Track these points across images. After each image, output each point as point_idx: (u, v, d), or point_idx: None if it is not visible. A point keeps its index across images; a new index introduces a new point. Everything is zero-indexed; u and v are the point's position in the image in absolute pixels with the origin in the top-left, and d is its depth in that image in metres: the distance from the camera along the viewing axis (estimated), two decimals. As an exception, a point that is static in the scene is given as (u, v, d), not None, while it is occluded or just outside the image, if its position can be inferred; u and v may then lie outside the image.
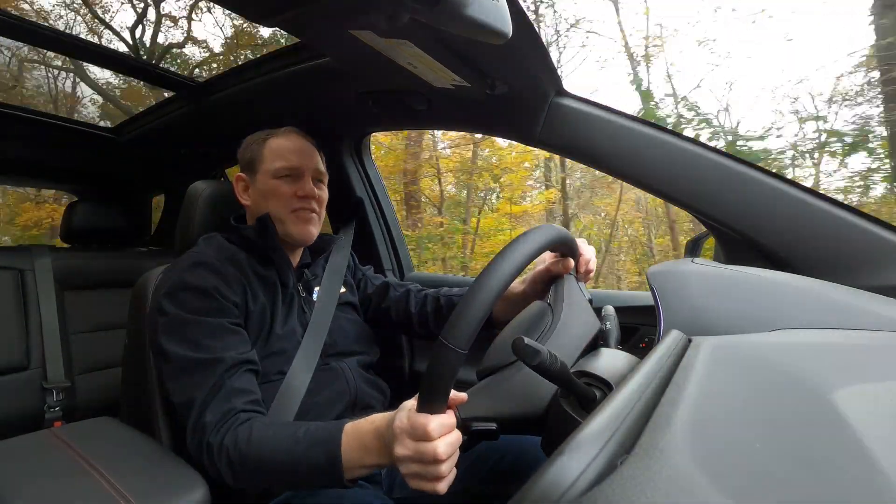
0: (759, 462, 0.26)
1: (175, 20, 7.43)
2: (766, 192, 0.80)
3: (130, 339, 0.96)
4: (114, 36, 7.15)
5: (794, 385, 0.35)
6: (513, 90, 0.92)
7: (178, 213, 1.04)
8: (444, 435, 0.52)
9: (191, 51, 7.67)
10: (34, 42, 1.19)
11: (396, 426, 0.55)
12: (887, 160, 4.15)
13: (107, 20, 7.15)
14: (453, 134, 6.38)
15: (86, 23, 7.22)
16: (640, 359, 0.48)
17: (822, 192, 0.80)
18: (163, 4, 7.20)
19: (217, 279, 0.80)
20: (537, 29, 0.73)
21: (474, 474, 0.85)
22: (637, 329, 1.04)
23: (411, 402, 0.55)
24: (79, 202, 1.66)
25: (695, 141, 0.87)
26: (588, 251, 0.81)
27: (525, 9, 0.66)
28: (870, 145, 4.33)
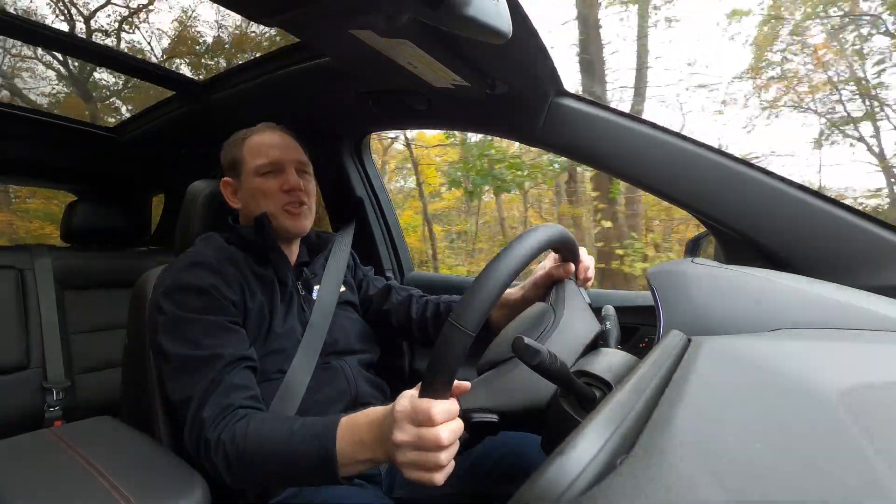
0: (759, 462, 0.26)
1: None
2: (766, 192, 0.80)
3: (130, 338, 0.96)
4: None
5: (794, 385, 0.35)
6: (513, 90, 0.92)
7: (178, 213, 1.04)
8: (447, 421, 0.51)
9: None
10: (34, 42, 1.19)
11: (397, 411, 0.53)
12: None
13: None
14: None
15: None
16: (640, 359, 0.48)
17: (822, 192, 0.80)
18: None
19: (215, 278, 0.81)
20: (537, 29, 0.73)
21: (474, 474, 0.85)
22: (637, 329, 1.04)
23: (413, 391, 0.54)
24: (79, 202, 1.66)
25: (695, 141, 0.86)
26: (587, 259, 0.83)
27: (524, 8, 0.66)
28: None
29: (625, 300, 1.11)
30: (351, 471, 0.61)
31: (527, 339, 0.47)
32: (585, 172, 5.25)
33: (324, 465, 0.60)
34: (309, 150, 1.01)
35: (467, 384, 0.60)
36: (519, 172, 4.57)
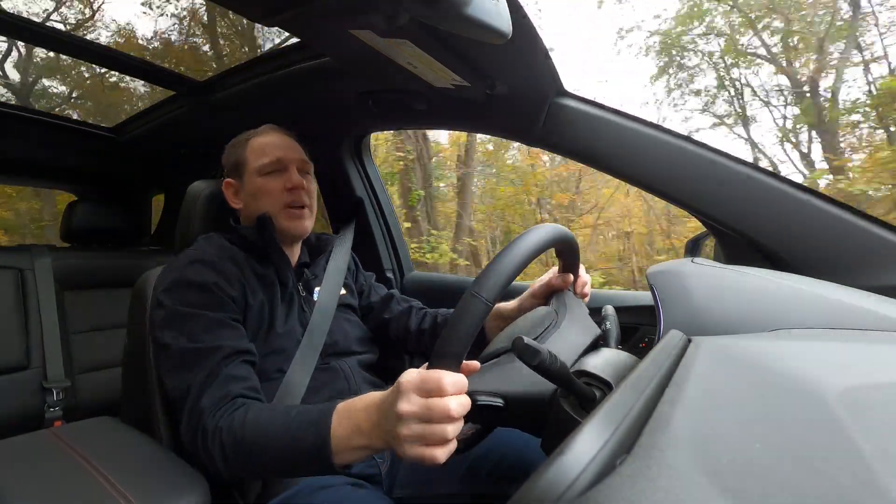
0: (759, 462, 0.26)
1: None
2: (766, 192, 0.80)
3: (130, 338, 0.96)
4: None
5: (794, 385, 0.35)
6: (513, 90, 0.92)
7: (178, 213, 1.04)
8: (456, 394, 0.50)
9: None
10: (34, 42, 1.19)
11: (404, 382, 0.51)
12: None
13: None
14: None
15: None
16: (640, 359, 0.48)
17: (822, 192, 0.80)
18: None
19: (216, 275, 0.81)
20: (537, 28, 0.73)
21: (474, 475, 0.85)
22: (637, 329, 1.04)
23: (417, 369, 0.53)
24: (79, 202, 1.66)
25: (695, 141, 0.86)
26: (585, 275, 0.84)
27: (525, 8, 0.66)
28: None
29: (625, 300, 1.11)
30: (346, 458, 0.59)
31: (527, 339, 0.47)
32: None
33: (318, 452, 0.59)
34: (309, 151, 1.01)
35: (476, 363, 0.59)
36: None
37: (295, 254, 0.99)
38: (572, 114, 0.94)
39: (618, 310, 0.74)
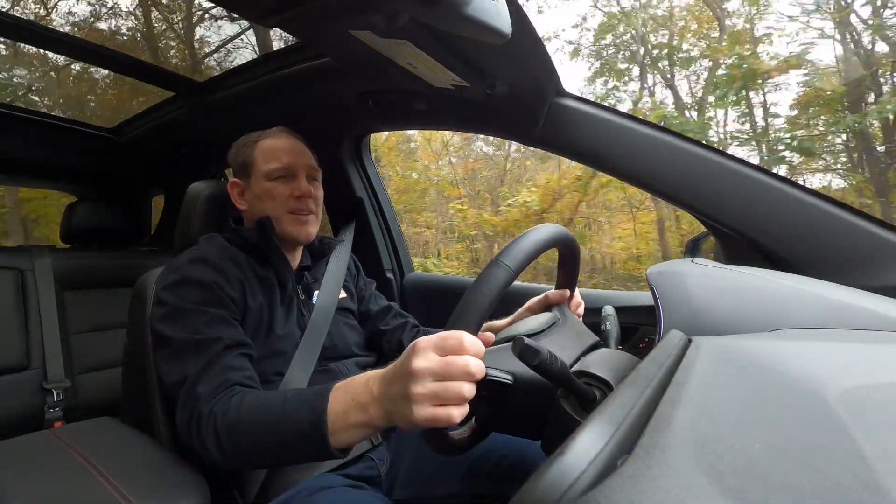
0: (759, 462, 0.26)
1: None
2: (766, 192, 0.80)
3: (130, 338, 0.96)
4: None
5: (794, 385, 0.35)
6: (513, 90, 0.92)
7: (178, 213, 1.04)
8: (475, 355, 0.49)
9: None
10: (34, 42, 1.19)
11: (421, 341, 0.50)
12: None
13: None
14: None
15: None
16: (640, 359, 0.48)
17: (822, 192, 0.80)
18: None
19: (216, 275, 0.81)
20: (536, 28, 0.73)
21: (474, 475, 0.85)
22: (637, 329, 1.04)
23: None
24: (79, 202, 1.66)
25: (695, 141, 0.87)
26: (579, 298, 0.85)
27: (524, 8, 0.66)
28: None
29: (625, 300, 1.11)
30: (343, 439, 0.58)
31: (527, 340, 0.47)
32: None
33: (314, 431, 0.57)
34: (315, 154, 1.01)
35: (491, 335, 0.59)
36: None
37: (296, 257, 0.99)
38: (572, 114, 0.94)
39: (618, 310, 0.74)
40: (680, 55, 7.38)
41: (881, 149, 5.34)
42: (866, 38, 5.48)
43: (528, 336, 0.60)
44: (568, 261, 0.75)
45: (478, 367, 0.49)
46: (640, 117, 0.91)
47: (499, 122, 1.07)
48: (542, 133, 0.97)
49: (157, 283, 0.84)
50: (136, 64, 1.28)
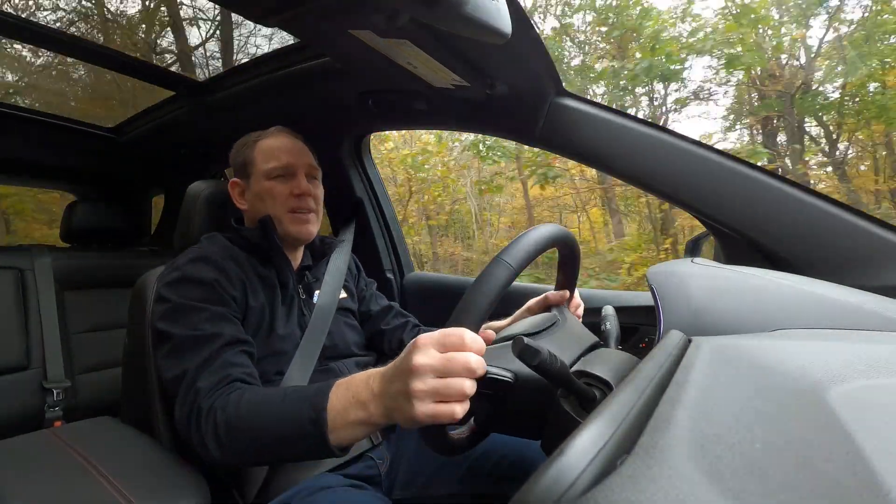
0: (759, 462, 0.26)
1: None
2: (766, 192, 0.80)
3: (130, 338, 0.96)
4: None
5: (794, 385, 0.35)
6: (513, 90, 0.92)
7: (178, 213, 1.04)
8: (476, 351, 0.49)
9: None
10: (34, 42, 1.19)
11: (422, 338, 0.50)
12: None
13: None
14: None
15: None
16: (640, 359, 0.48)
17: (821, 192, 0.80)
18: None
19: (218, 273, 0.81)
20: (537, 28, 0.73)
21: (474, 475, 0.85)
22: (637, 329, 1.04)
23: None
24: (79, 202, 1.66)
25: (695, 141, 0.87)
26: (579, 299, 0.85)
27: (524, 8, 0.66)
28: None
29: (625, 300, 1.11)
30: (342, 436, 0.58)
31: (527, 339, 0.47)
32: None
33: (313, 428, 0.57)
34: (314, 153, 1.01)
35: (492, 333, 0.59)
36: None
37: (297, 256, 0.99)
38: (572, 114, 0.94)
39: (618, 310, 0.74)
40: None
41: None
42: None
43: (528, 336, 0.60)
44: (568, 262, 0.75)
45: (479, 363, 0.49)
46: (641, 117, 0.91)
47: (499, 122, 1.07)
48: (542, 133, 0.97)
49: (158, 281, 0.84)
50: (136, 64, 1.28)
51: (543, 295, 0.84)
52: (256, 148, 0.94)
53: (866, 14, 4.92)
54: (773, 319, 0.53)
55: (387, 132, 5.78)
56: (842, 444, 0.27)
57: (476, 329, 0.50)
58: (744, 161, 0.83)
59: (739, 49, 4.78)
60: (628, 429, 0.30)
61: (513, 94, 0.93)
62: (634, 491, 0.23)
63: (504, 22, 0.56)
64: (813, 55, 5.32)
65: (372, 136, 1.52)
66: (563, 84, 0.93)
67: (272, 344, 0.85)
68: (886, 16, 4.68)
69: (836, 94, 5.05)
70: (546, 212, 7.49)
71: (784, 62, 5.39)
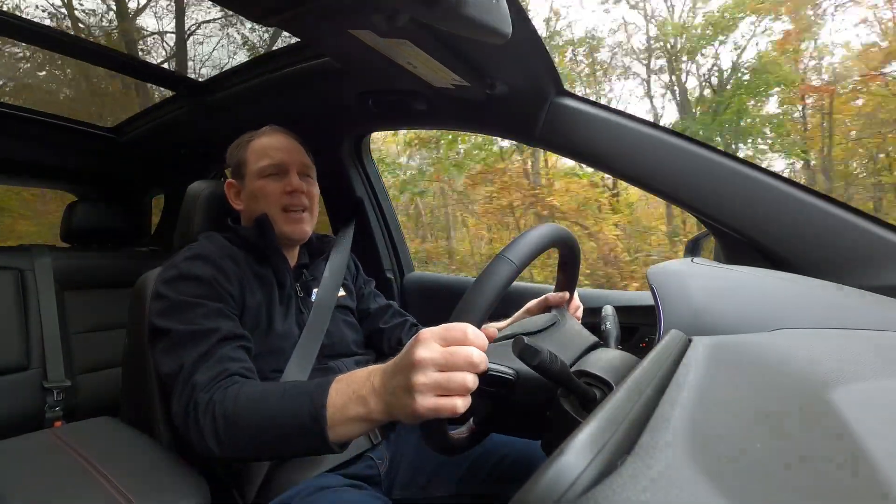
0: (759, 462, 0.26)
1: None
2: (766, 192, 0.80)
3: (130, 338, 0.96)
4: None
5: (794, 385, 0.35)
6: (513, 90, 0.92)
7: (178, 213, 1.04)
8: (479, 346, 0.49)
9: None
10: (34, 42, 1.19)
11: (424, 332, 0.50)
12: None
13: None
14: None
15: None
16: (640, 359, 0.48)
17: (822, 192, 0.80)
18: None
19: (215, 271, 0.81)
20: (536, 28, 0.73)
21: (474, 475, 0.85)
22: (637, 329, 1.04)
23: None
24: (79, 202, 1.66)
25: (695, 141, 0.87)
26: (578, 301, 0.85)
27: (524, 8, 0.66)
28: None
29: (625, 300, 1.11)
30: (342, 432, 0.57)
31: (527, 339, 0.47)
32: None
33: (313, 423, 0.57)
34: (310, 151, 1.01)
35: (494, 329, 0.59)
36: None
37: (294, 255, 1.00)
38: (572, 114, 0.94)
39: (618, 310, 0.74)
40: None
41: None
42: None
43: (528, 336, 0.60)
44: (568, 263, 0.75)
45: (481, 357, 0.49)
46: (641, 117, 0.91)
47: (499, 122, 1.07)
48: (542, 133, 0.97)
49: (156, 278, 0.84)
50: (136, 64, 1.28)
51: (543, 296, 0.84)
52: (249, 148, 0.95)
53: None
54: (774, 319, 0.53)
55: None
56: (842, 443, 0.27)
57: (479, 325, 0.50)
58: (744, 161, 0.83)
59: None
60: (628, 429, 0.30)
61: (513, 94, 0.93)
62: (634, 491, 0.23)
63: (504, 22, 0.56)
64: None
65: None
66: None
67: (270, 342, 0.85)
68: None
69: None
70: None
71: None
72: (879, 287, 0.64)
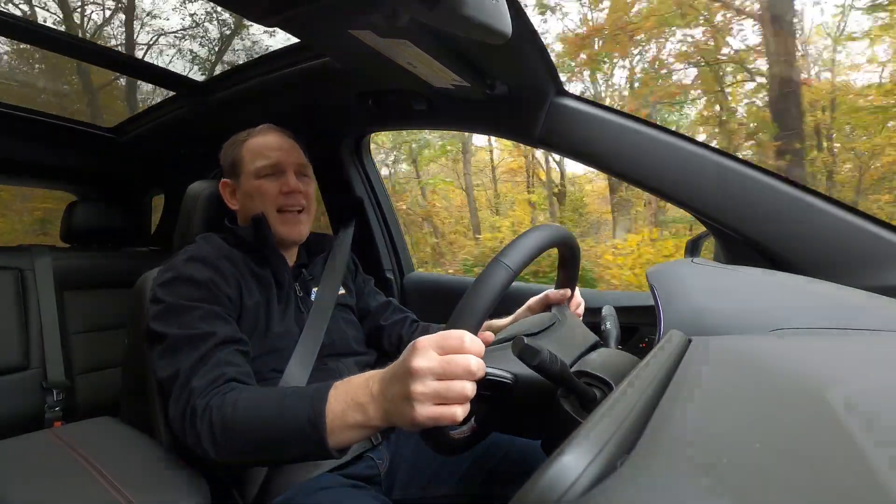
0: (759, 462, 0.26)
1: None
2: (766, 192, 0.80)
3: (130, 339, 0.96)
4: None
5: (794, 385, 0.35)
6: (513, 90, 0.92)
7: (178, 214, 1.04)
8: (476, 353, 0.49)
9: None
10: (34, 42, 1.19)
11: (421, 340, 0.50)
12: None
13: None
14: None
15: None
16: (640, 359, 0.48)
17: (822, 192, 0.80)
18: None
19: (212, 273, 0.81)
20: (537, 28, 0.73)
21: (474, 475, 0.85)
22: (637, 329, 1.04)
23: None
24: (79, 202, 1.66)
25: (695, 141, 0.87)
26: (579, 297, 0.85)
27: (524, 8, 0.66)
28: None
29: (625, 300, 1.11)
30: (340, 439, 0.57)
31: (527, 340, 0.47)
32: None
33: (312, 429, 0.57)
34: (309, 151, 1.01)
35: (490, 334, 0.59)
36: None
37: (293, 254, 0.99)
38: (572, 114, 0.94)
39: (618, 310, 0.74)
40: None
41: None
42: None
43: (528, 336, 0.60)
44: (568, 260, 0.75)
45: (479, 365, 0.49)
46: (641, 117, 0.91)
47: (499, 122, 1.07)
48: (543, 133, 0.97)
49: (153, 280, 0.84)
50: (136, 63, 1.28)
51: (544, 293, 0.84)
52: (245, 147, 0.94)
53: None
54: (773, 319, 0.53)
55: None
56: (842, 443, 0.27)
57: (475, 331, 0.50)
58: (744, 161, 0.83)
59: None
60: (628, 429, 0.30)
61: (513, 94, 0.93)
62: (634, 491, 0.23)
63: (504, 22, 0.56)
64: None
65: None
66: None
67: (269, 342, 0.85)
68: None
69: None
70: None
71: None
72: (879, 287, 0.64)
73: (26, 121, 1.46)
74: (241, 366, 0.74)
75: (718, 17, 5.62)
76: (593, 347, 0.65)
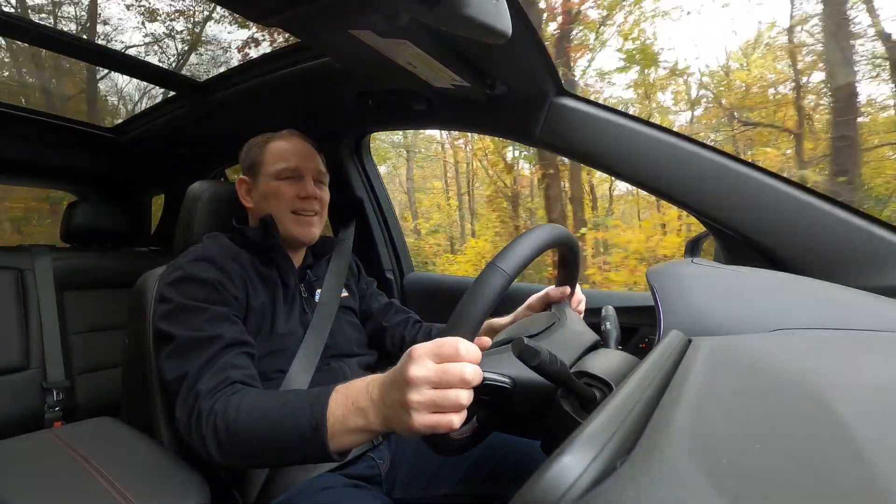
0: (759, 463, 0.26)
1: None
2: (766, 192, 0.80)
3: (130, 339, 0.96)
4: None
5: (794, 386, 0.35)
6: (513, 90, 0.92)
7: (178, 214, 1.04)
8: (471, 361, 0.49)
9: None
10: (34, 42, 1.19)
11: (416, 348, 0.50)
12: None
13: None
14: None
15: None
16: (640, 359, 0.48)
17: (822, 192, 0.80)
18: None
19: (219, 273, 0.81)
20: (537, 28, 0.73)
21: (474, 475, 0.85)
22: (637, 329, 1.04)
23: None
24: (79, 202, 1.66)
25: (695, 141, 0.87)
26: (580, 294, 0.85)
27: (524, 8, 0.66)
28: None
29: (625, 300, 1.11)
30: (341, 443, 0.58)
31: (527, 340, 0.47)
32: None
33: (313, 433, 0.57)
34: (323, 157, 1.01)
35: (487, 339, 0.58)
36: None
37: (299, 256, 1.00)
38: (572, 114, 0.94)
39: (618, 310, 0.74)
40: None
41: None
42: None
43: (528, 336, 0.60)
44: (568, 259, 0.75)
45: (474, 373, 0.49)
46: (641, 117, 0.91)
47: (499, 122, 1.07)
48: (543, 133, 0.97)
49: (160, 280, 0.84)
50: (136, 63, 1.28)
51: (544, 291, 0.84)
52: (267, 148, 0.95)
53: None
54: (773, 319, 0.53)
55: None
56: (841, 444, 0.27)
57: (471, 337, 0.50)
58: (744, 161, 0.83)
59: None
60: (628, 429, 0.30)
61: (513, 94, 0.93)
62: (634, 492, 0.23)
63: (504, 22, 0.56)
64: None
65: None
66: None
67: (274, 342, 0.85)
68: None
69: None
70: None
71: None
72: (879, 287, 0.64)
73: (26, 121, 1.46)
74: (247, 368, 0.74)
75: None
76: (593, 347, 0.65)
